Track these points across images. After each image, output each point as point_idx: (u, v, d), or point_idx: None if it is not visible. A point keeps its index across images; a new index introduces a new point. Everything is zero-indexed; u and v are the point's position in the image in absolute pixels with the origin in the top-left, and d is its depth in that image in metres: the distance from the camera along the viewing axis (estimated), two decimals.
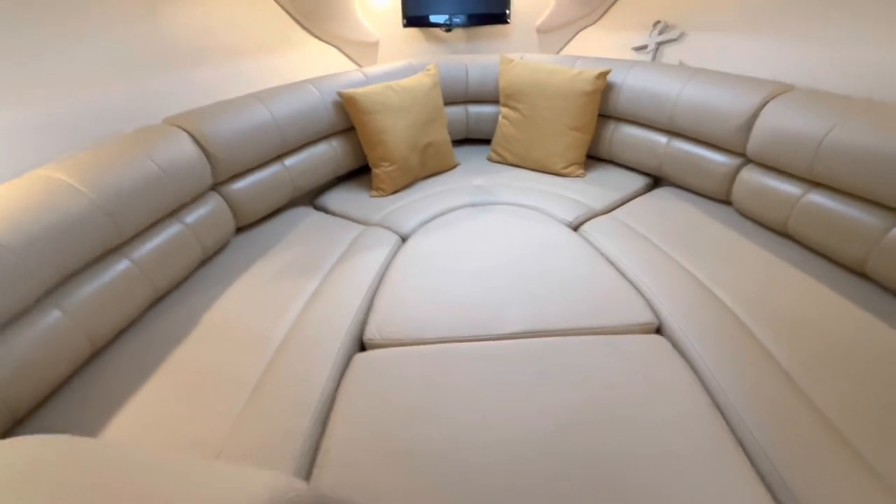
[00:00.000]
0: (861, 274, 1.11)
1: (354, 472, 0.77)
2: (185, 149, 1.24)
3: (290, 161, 1.61)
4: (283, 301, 1.18)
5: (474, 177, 1.86)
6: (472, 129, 2.16)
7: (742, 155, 1.40)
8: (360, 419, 0.87)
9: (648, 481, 0.73)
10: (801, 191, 1.23)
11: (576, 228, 1.51)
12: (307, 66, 2.06)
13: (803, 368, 0.90)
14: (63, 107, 1.19)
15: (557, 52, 2.34)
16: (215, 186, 1.38)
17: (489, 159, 2.02)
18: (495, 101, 2.03)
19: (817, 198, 1.19)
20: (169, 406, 0.90)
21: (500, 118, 1.95)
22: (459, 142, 2.20)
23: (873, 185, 1.05)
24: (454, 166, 1.98)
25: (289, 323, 1.11)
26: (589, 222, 1.51)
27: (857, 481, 0.69)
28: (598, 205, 1.60)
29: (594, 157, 1.91)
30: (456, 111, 2.11)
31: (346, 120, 1.75)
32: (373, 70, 1.88)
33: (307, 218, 1.62)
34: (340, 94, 1.67)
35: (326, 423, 0.89)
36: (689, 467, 0.75)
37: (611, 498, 0.71)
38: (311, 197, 1.83)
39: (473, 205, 1.65)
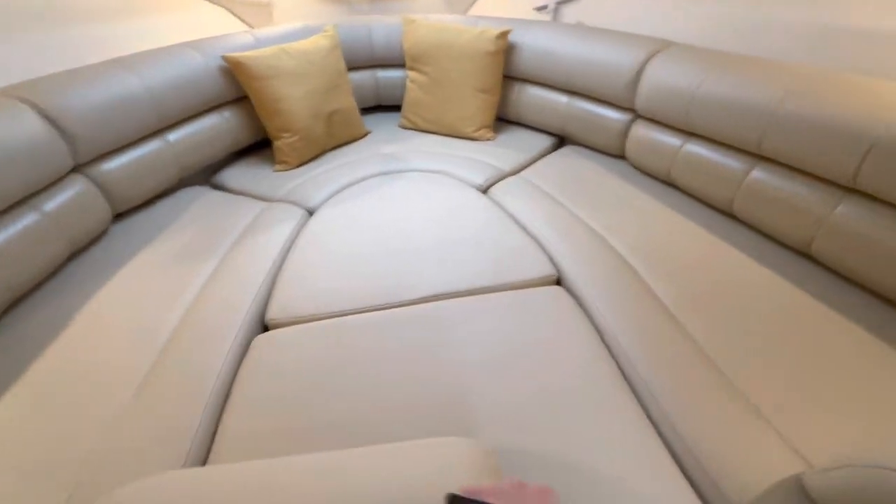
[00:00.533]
0: (730, 215, 1.24)
1: (250, 455, 0.74)
2: (29, 125, 1.06)
3: (173, 136, 1.45)
4: (173, 289, 1.08)
5: (385, 145, 1.81)
6: (382, 94, 2.08)
7: (632, 111, 1.48)
8: (258, 401, 0.84)
9: (544, 420, 0.78)
10: (680, 141, 1.32)
11: (485, 191, 1.52)
12: (193, 30, 1.84)
13: (681, 304, 0.99)
14: None
15: (465, 13, 2.29)
16: (79, 168, 1.21)
17: (401, 126, 1.97)
18: (403, 65, 1.96)
19: (693, 147, 1.29)
20: (28, 418, 0.79)
21: (407, 82, 1.89)
22: (370, 109, 2.12)
23: (735, 132, 1.15)
24: (364, 135, 1.90)
25: (181, 311, 1.03)
26: (498, 184, 1.54)
27: (722, 400, 0.78)
28: (507, 166, 1.63)
29: (504, 120, 1.92)
30: (363, 76, 2.01)
31: (238, 88, 1.60)
32: (264, 32, 1.72)
33: (202, 198, 1.49)
34: (226, 59, 1.52)
35: (221, 413, 0.84)
36: (580, 402, 0.80)
37: (514, 433, 0.75)
38: (207, 175, 1.67)
39: (384, 173, 1.61)
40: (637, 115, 1.48)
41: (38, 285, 1.06)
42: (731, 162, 1.19)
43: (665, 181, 1.42)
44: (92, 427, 0.77)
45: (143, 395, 0.83)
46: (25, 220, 1.04)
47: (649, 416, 0.81)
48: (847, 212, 0.97)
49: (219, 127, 1.58)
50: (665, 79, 1.31)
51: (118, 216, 1.33)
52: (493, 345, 0.92)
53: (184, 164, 1.48)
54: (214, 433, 0.81)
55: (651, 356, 0.88)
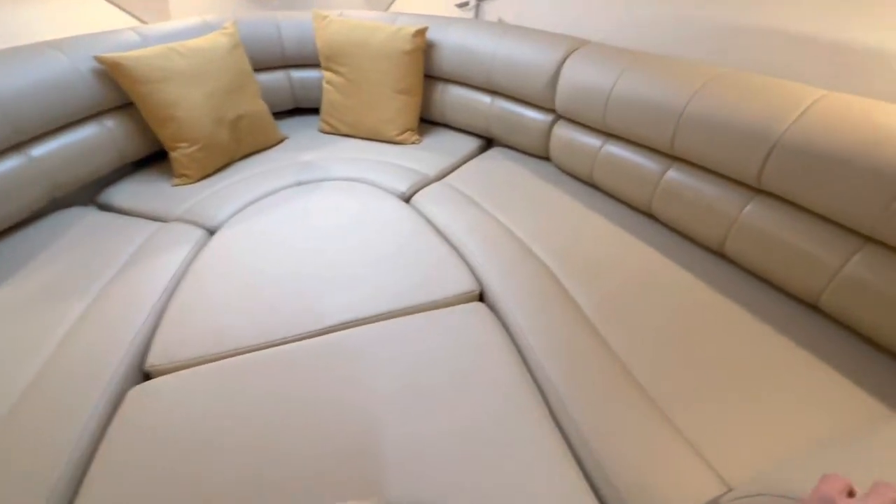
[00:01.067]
0: (650, 215, 1.23)
1: None
2: None
3: (38, 151, 1.24)
4: (31, 337, 0.91)
5: (303, 151, 1.67)
6: (299, 97, 1.93)
7: (553, 111, 1.45)
8: (123, 472, 0.70)
9: (459, 463, 0.71)
10: (600, 142, 1.30)
11: (408, 199, 1.44)
12: (64, 26, 1.60)
13: (602, 313, 0.96)
14: None
15: (386, 10, 2.18)
16: None
17: (321, 130, 1.84)
18: (319, 65, 1.82)
19: (612, 148, 1.27)
20: None
21: (323, 83, 1.76)
22: (288, 112, 1.96)
23: (649, 132, 1.14)
24: (280, 141, 1.75)
25: (37, 367, 0.86)
26: (421, 191, 1.45)
27: (644, 423, 0.75)
28: (432, 171, 1.55)
29: (429, 121, 1.84)
30: (275, 77, 1.85)
31: (123, 94, 1.40)
32: (150, 29, 1.52)
33: (83, 220, 1.29)
34: (101, 60, 1.32)
35: (81, 484, 0.70)
36: (498, 438, 0.74)
37: (426, 480, 0.67)
38: (92, 193, 1.46)
39: (299, 183, 1.48)
40: (558, 116, 1.45)
41: None
42: (648, 163, 1.18)
43: (588, 183, 1.40)
44: None
45: None
46: None
47: (569, 445, 0.76)
48: (754, 211, 0.98)
49: (99, 138, 1.38)
50: (581, 78, 1.28)
51: None
52: (406, 377, 0.84)
53: (56, 181, 1.28)
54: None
55: (572, 379, 0.83)
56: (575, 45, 1.36)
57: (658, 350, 0.87)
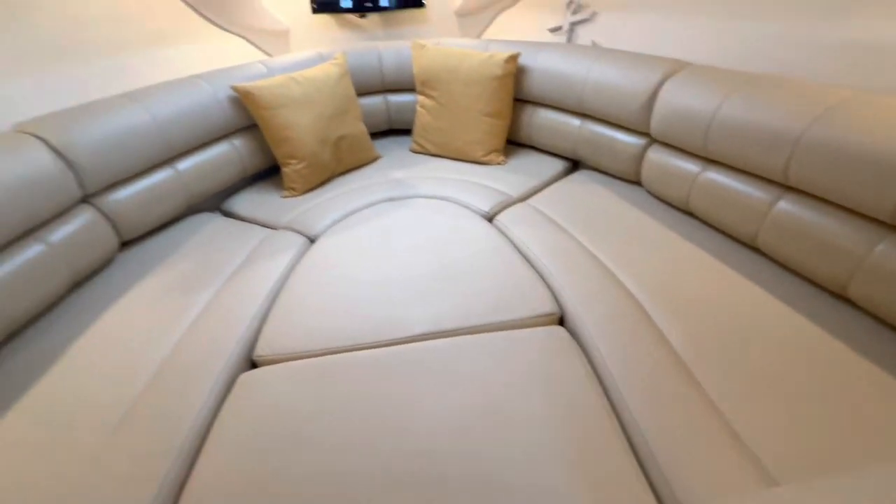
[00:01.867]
0: (753, 248, 1.13)
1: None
2: (38, 159, 1.09)
3: (183, 165, 1.48)
4: (165, 322, 1.08)
5: (395, 170, 1.79)
6: (394, 119, 2.08)
7: (647, 135, 1.40)
8: (235, 446, 0.80)
9: (529, 478, 0.70)
10: (698, 168, 1.23)
11: (491, 219, 1.47)
12: (212, 60, 1.90)
13: (690, 346, 0.90)
14: None
15: (478, 36, 2.27)
16: (87, 199, 1.24)
17: (412, 150, 1.95)
18: (414, 90, 1.95)
19: (713, 174, 1.20)
20: (12, 453, 0.79)
21: (417, 107, 1.88)
22: (382, 133, 2.12)
23: (758, 159, 1.05)
24: (374, 159, 1.90)
25: (167, 349, 1.01)
26: (504, 212, 1.48)
27: (735, 473, 0.69)
28: (516, 192, 1.57)
29: (515, 143, 1.87)
30: (374, 101, 2.02)
31: (248, 117, 1.63)
32: (275, 61, 1.75)
33: (209, 225, 1.50)
34: (235, 89, 1.54)
35: (198, 454, 0.81)
36: (570, 459, 0.72)
37: (486, 497, 0.68)
38: (217, 201, 1.70)
39: (391, 199, 1.58)
40: (652, 140, 1.39)
41: (36, 317, 1.08)
42: (755, 191, 1.09)
43: (683, 210, 1.32)
44: (65, 469, 0.76)
45: (118, 435, 0.81)
46: (29, 253, 1.06)
47: (650, 482, 0.72)
48: (887, 250, 0.86)
49: (228, 155, 1.61)
50: (681, 102, 1.23)
51: (125, 244, 1.35)
52: (484, 392, 0.85)
53: (192, 191, 1.51)
54: (186, 478, 0.77)
55: (657, 417, 0.79)
56: (675, 68, 1.31)
57: (765, 405, 0.79)
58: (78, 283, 1.19)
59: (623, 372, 0.87)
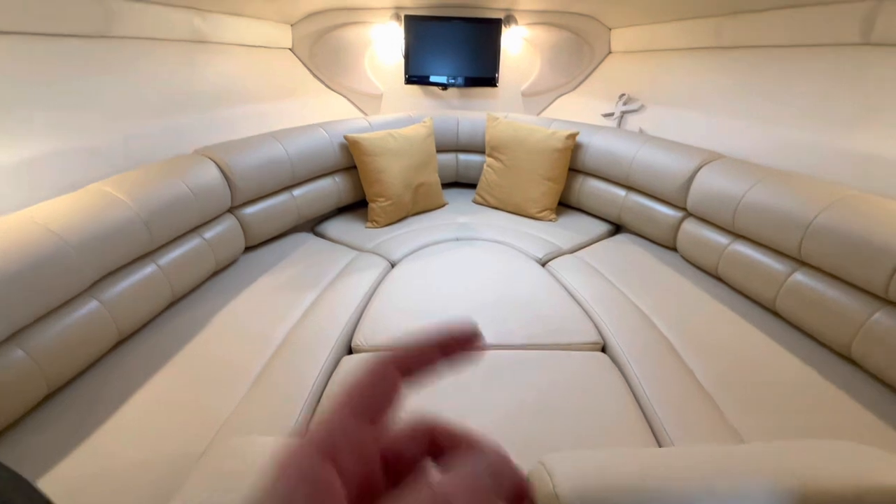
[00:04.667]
0: (772, 311, 1.33)
1: None
2: (211, 175, 1.45)
3: (297, 192, 1.83)
4: (283, 310, 1.36)
5: (459, 215, 2.09)
6: (461, 174, 2.43)
7: (684, 209, 1.66)
8: None
9: None
10: (727, 241, 1.47)
11: (544, 264, 1.72)
12: (318, 111, 2.34)
13: (714, 380, 1.10)
14: (114, 137, 1.41)
15: (538, 114, 2.66)
16: (232, 209, 1.59)
17: (474, 201, 2.27)
18: (481, 152, 2.31)
19: (740, 247, 1.43)
20: (179, 389, 1.05)
21: (484, 167, 2.22)
22: (449, 184, 2.46)
23: (777, 237, 1.29)
24: (442, 205, 2.22)
25: (288, 327, 1.29)
26: (555, 259, 1.73)
27: None
28: (566, 245, 1.83)
29: (565, 205, 2.16)
30: (447, 158, 2.38)
31: (349, 159, 2.00)
32: (376, 119, 2.15)
33: (307, 242, 1.82)
34: (347, 138, 1.92)
35: (314, 411, 1.04)
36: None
37: None
38: (312, 225, 2.04)
39: (457, 239, 1.87)
40: (688, 213, 1.65)
41: (190, 292, 1.38)
42: (775, 264, 1.31)
43: (713, 275, 1.54)
44: (224, 401, 1.01)
45: (260, 384, 1.07)
46: (193, 243, 1.39)
47: None
48: (883, 320, 1.05)
49: (330, 188, 1.96)
50: (715, 185, 1.49)
51: (247, 249, 1.68)
52: (538, 396, 1.07)
53: (301, 214, 1.85)
54: (309, 423, 1.01)
55: (684, 428, 0.98)
56: (710, 157, 1.59)
57: (765, 417, 0.97)
58: (216, 273, 1.50)
59: (656, 393, 1.07)
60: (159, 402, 1.00)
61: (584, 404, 1.04)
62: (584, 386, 1.10)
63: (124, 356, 1.12)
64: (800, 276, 1.25)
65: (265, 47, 2.12)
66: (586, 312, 1.39)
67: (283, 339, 1.24)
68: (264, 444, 0.72)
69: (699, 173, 1.57)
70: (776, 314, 1.33)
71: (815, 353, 1.18)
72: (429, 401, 1.09)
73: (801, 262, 1.26)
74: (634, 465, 0.56)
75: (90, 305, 1.06)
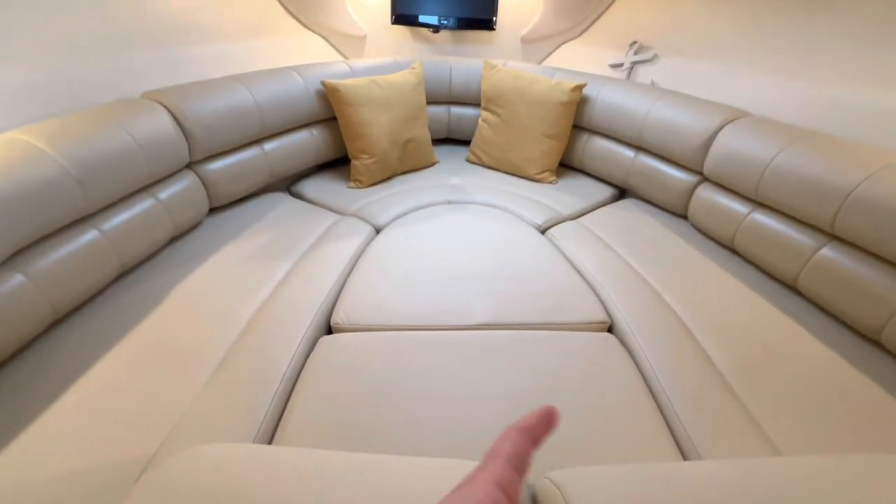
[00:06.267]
0: (793, 288, 1.22)
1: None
2: (162, 124, 1.24)
3: (269, 146, 1.62)
4: (253, 282, 1.20)
5: (451, 176, 1.91)
6: (453, 129, 2.22)
7: (700, 173, 1.51)
8: (321, 397, 0.90)
9: (583, 458, 0.79)
10: (747, 209, 1.33)
11: (543, 231, 1.58)
12: (292, 54, 2.07)
13: (733, 367, 0.99)
14: (41, 74, 1.17)
15: (539, 63, 2.42)
16: (191, 164, 1.38)
17: (467, 160, 2.08)
18: (477, 104, 2.09)
19: (761, 217, 1.29)
20: (129, 377, 0.90)
21: (479, 121, 2.01)
22: (440, 140, 2.25)
23: (808, 208, 1.15)
24: (433, 164, 2.02)
25: (257, 303, 1.13)
26: (556, 226, 1.59)
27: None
28: (567, 211, 1.68)
29: (567, 166, 1.99)
30: (438, 111, 2.15)
31: (329, 110, 1.77)
32: (358, 63, 1.90)
33: (282, 204, 1.63)
34: (324, 84, 1.69)
35: (288, 400, 0.91)
36: (619, 449, 0.81)
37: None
38: (287, 184, 1.84)
39: (448, 202, 1.70)
40: (704, 178, 1.50)
41: (142, 263, 1.21)
42: (801, 237, 1.19)
43: (727, 246, 1.41)
44: (180, 392, 0.87)
45: (223, 372, 0.93)
46: (144, 205, 1.20)
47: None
48: None
49: (306, 142, 1.75)
50: (739, 146, 1.33)
51: (212, 210, 1.49)
52: (539, 381, 0.95)
53: (273, 171, 1.64)
54: (280, 417, 0.88)
55: (700, 416, 0.88)
56: (734, 115, 1.42)
57: (796, 421, 0.88)
58: (175, 238, 1.32)
59: (669, 379, 0.96)
60: (100, 397, 0.85)
61: (589, 392, 0.93)
62: (589, 371, 0.99)
63: (60, 340, 0.96)
64: (828, 252, 1.13)
65: None
66: (591, 287, 1.27)
67: (251, 317, 1.08)
68: (226, 452, 0.58)
69: (721, 132, 1.40)
70: (796, 291, 1.22)
71: (838, 334, 1.08)
72: (421, 385, 0.97)
73: (832, 237, 1.14)
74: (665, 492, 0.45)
75: (13, 280, 0.89)
